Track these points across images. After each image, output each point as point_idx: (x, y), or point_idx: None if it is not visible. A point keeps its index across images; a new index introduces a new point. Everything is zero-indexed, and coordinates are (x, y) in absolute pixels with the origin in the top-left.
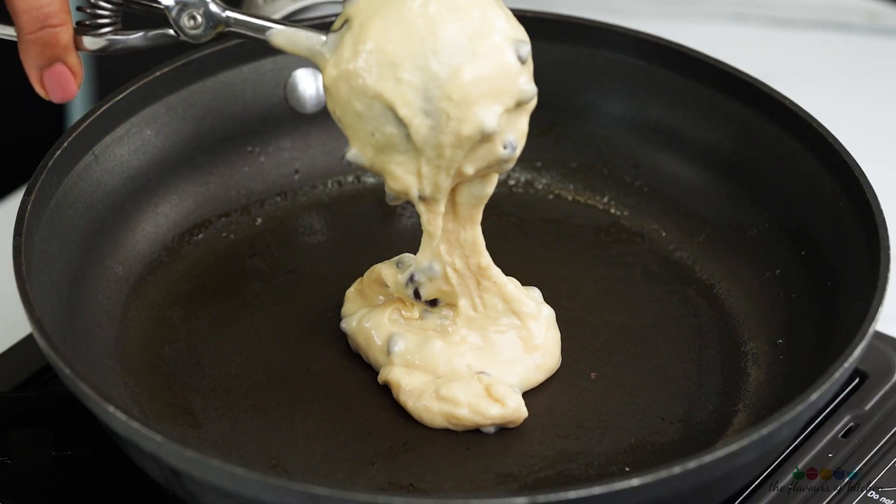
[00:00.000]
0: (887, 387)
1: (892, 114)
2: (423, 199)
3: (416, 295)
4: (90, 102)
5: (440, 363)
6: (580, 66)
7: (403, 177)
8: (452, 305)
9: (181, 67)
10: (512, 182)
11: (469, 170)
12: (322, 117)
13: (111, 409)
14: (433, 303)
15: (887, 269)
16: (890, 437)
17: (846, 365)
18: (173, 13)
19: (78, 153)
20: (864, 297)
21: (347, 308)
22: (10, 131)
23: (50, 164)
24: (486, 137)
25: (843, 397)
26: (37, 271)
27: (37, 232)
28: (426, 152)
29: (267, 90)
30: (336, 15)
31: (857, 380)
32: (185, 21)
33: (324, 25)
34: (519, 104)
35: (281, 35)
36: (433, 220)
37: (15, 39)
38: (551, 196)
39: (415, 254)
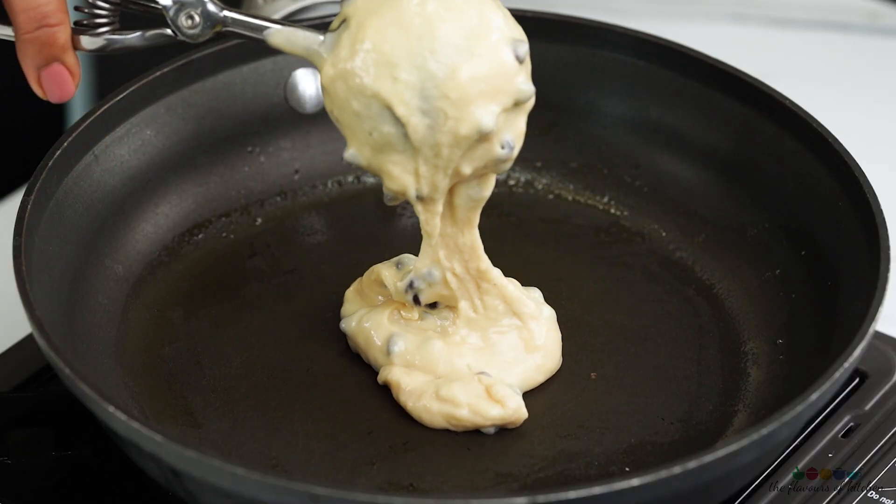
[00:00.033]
0: (887, 387)
1: (892, 114)
2: (420, 199)
3: (416, 300)
4: (90, 102)
5: (440, 363)
6: (580, 66)
7: (401, 176)
8: (452, 307)
9: (181, 67)
10: (512, 182)
11: (467, 169)
12: (322, 117)
13: (111, 409)
14: (433, 305)
15: (887, 269)
16: (890, 437)
17: (846, 365)
18: (171, 13)
19: (78, 153)
20: (864, 297)
21: (347, 308)
22: (10, 131)
23: (50, 164)
24: (483, 137)
25: (843, 397)
26: (37, 271)
27: (37, 232)
28: (424, 152)
29: (267, 90)
30: (334, 15)
31: (857, 380)
32: (183, 21)
33: (322, 25)
34: (517, 104)
35: (278, 35)
36: (431, 220)
37: (13, 39)
38: (551, 196)
39: (415, 254)
